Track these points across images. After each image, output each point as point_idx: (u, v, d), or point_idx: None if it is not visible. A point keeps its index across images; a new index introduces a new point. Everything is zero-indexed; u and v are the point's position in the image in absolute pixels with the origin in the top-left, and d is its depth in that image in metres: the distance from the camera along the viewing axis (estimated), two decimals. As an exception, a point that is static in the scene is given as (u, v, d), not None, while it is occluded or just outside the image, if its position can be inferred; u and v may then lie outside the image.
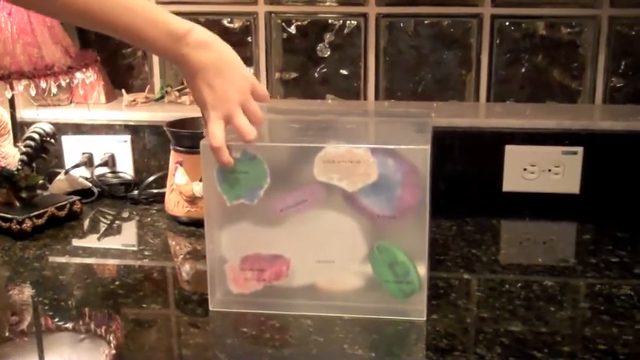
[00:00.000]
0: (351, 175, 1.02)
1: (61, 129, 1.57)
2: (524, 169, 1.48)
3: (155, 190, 1.54)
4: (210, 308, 1.09)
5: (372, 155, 1.01)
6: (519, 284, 1.17)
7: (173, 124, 1.42)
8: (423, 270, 1.06)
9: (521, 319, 1.05)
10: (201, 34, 0.98)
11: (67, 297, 1.15)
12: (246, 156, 1.04)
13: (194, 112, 1.46)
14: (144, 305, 1.12)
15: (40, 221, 1.39)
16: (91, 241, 1.39)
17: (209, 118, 0.99)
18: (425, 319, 1.05)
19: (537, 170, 1.48)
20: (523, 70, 1.61)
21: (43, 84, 1.28)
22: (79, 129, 1.59)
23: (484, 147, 1.49)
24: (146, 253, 1.32)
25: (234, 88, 0.98)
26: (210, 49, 0.98)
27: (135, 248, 1.36)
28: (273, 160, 1.04)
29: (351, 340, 1.01)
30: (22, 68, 1.26)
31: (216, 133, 0.99)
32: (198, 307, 1.11)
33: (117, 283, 1.19)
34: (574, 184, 1.48)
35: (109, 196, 1.57)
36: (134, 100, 1.63)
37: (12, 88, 1.29)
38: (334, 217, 1.06)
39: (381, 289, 1.07)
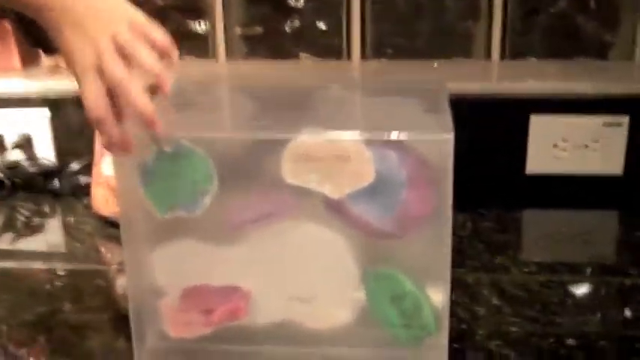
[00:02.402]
0: (337, 176, 0.70)
1: (-40, 103, 1.24)
2: (554, 146, 1.17)
3: (83, 180, 1.20)
4: (138, 364, 0.77)
5: (367, 148, 0.69)
6: (567, 301, 0.86)
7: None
8: (439, 300, 0.75)
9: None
10: None
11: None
12: (181, 149, 0.71)
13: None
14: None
15: None
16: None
17: (79, 74, 0.67)
18: (446, 374, 0.74)
19: (570, 146, 1.17)
20: (545, 18, 1.30)
21: None
22: (-16, 103, 1.26)
23: (502, 118, 1.18)
24: (59, 269, 0.99)
25: (106, 20, 0.67)
26: None
27: (48, 260, 1.04)
28: (221, 156, 0.72)
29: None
30: None
31: (91, 96, 0.67)
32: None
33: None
34: (616, 163, 1.18)
35: (25, 187, 1.23)
36: (56, 65, 1.29)
37: None
38: (312, 235, 0.74)
39: (382, 331, 0.76)
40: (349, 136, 0.69)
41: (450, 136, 0.68)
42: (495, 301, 0.89)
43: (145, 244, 0.76)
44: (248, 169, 0.71)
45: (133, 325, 0.77)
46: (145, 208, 0.74)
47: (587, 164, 1.17)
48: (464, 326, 0.83)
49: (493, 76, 1.26)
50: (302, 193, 0.71)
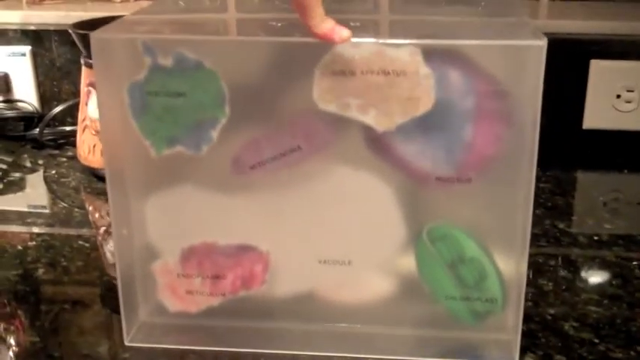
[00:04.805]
0: (384, 100, 0.53)
1: None
2: (618, 97, 1.00)
3: (68, 128, 1.04)
4: (127, 343, 0.61)
5: (426, 61, 0.52)
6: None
7: (84, 25, 0.91)
8: (510, 268, 0.58)
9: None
10: None
11: None
12: (184, 63, 0.55)
13: (122, 11, 0.97)
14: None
15: None
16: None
17: None
18: (515, 363, 0.58)
19: (638, 97, 1.00)
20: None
21: None
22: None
23: (555, 64, 0.99)
24: (37, 226, 0.83)
25: None
26: None
27: (28, 217, 0.87)
28: (236, 73, 0.55)
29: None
30: None
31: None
32: (107, 340, 0.63)
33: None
34: (690, 117, 1.00)
35: (2, 136, 1.07)
36: (40, -5, 1.12)
37: None
38: (349, 181, 0.58)
39: (434, 305, 0.60)
40: (403, 44, 0.52)
41: (542, 43, 0.51)
42: (564, 272, 0.73)
43: (136, 192, 0.60)
44: (269, 91, 0.55)
45: (121, 295, 0.61)
46: (135, 146, 0.58)
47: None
48: (529, 303, 0.67)
49: (540, 12, 1.08)
50: (339, 123, 0.55)
